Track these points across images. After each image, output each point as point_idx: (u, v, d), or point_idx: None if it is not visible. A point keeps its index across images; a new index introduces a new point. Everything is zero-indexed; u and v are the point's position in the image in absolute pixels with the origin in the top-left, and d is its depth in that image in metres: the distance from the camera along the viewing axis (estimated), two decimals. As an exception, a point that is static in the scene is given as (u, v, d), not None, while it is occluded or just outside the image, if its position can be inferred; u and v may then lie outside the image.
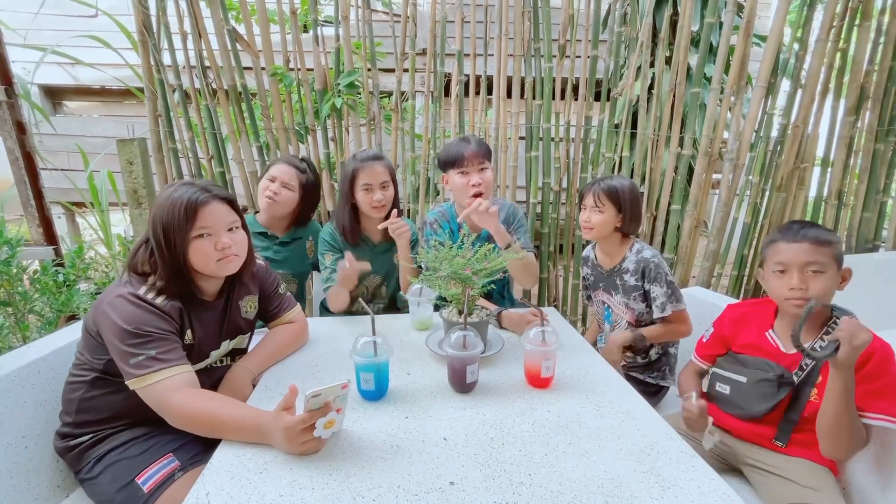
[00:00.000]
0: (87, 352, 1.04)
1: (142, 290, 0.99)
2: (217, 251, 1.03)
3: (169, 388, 0.93)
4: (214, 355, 1.16)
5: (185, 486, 0.93)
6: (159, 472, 0.98)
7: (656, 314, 1.44)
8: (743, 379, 1.17)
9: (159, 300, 1.00)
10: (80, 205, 3.51)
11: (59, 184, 3.55)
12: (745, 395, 1.16)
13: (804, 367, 1.08)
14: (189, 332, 1.07)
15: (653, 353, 1.55)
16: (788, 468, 1.07)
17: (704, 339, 1.32)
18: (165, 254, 1.00)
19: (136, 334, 0.94)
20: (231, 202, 1.08)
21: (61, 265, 1.71)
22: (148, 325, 0.95)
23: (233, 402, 0.95)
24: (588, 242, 1.71)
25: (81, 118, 4.86)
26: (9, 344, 1.44)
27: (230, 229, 1.07)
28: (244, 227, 1.13)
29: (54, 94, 4.77)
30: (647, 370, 1.54)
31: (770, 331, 1.16)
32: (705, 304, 1.61)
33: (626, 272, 1.48)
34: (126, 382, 0.94)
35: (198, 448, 1.05)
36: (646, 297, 1.47)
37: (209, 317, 1.13)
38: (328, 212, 2.37)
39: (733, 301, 1.61)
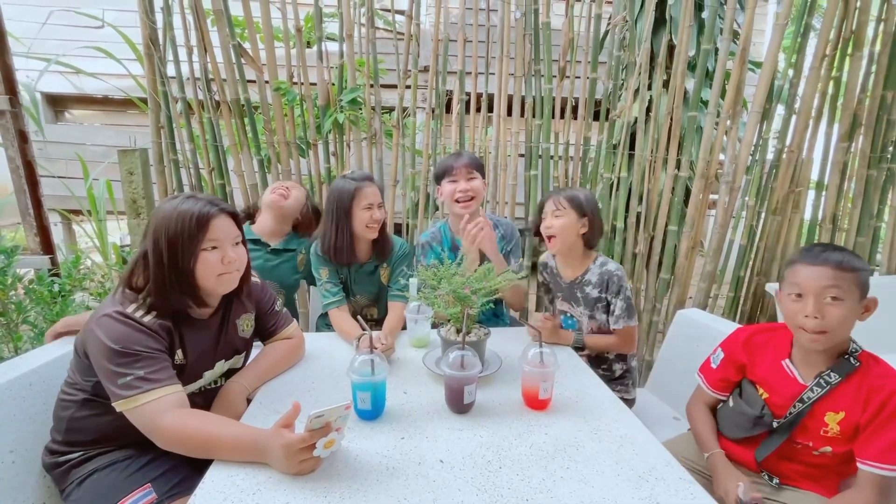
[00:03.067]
0: (77, 372, 1.02)
1: (130, 309, 0.96)
2: (223, 265, 1.03)
3: (158, 409, 0.90)
4: (208, 376, 1.12)
5: None
6: None
7: (611, 324, 1.46)
8: (730, 402, 1.19)
9: (148, 318, 0.97)
10: (77, 213, 3.50)
11: (56, 191, 3.54)
12: (724, 416, 1.19)
13: (794, 408, 1.05)
14: (179, 351, 1.03)
15: (617, 369, 1.56)
16: (783, 495, 1.07)
17: (713, 365, 1.23)
18: (166, 267, 0.97)
19: (124, 353, 0.91)
20: (235, 216, 1.08)
21: (57, 275, 1.70)
22: (136, 343, 0.93)
23: (226, 421, 0.94)
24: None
25: (83, 126, 4.88)
26: (1, 355, 1.42)
27: (235, 244, 1.07)
28: (243, 242, 1.12)
29: (56, 103, 4.80)
30: (611, 384, 1.54)
31: (787, 360, 1.10)
32: (702, 327, 1.61)
33: (587, 284, 1.48)
34: (113, 404, 0.91)
35: (179, 477, 1.01)
36: (608, 309, 1.48)
37: (202, 336, 1.09)
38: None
39: (731, 323, 1.61)
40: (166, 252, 0.97)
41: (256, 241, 1.71)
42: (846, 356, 1.02)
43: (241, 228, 1.10)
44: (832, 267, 0.97)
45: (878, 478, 0.94)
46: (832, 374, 1.01)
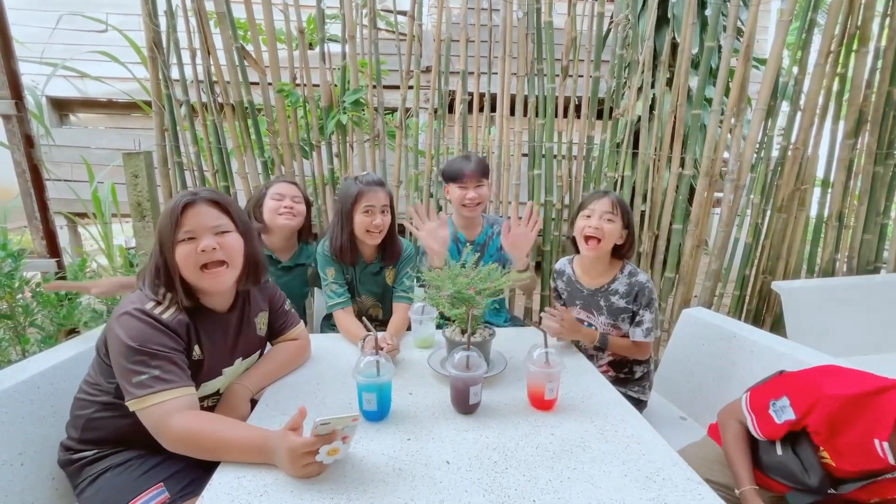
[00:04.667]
0: (99, 374, 1.03)
1: (149, 305, 0.97)
2: (199, 254, 0.97)
3: (169, 410, 0.90)
4: (228, 373, 1.12)
5: None
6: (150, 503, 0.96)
7: (639, 337, 1.43)
8: (778, 449, 1.01)
9: (167, 315, 0.97)
10: (82, 215, 3.52)
11: (62, 194, 3.56)
12: (765, 453, 1.05)
13: (863, 480, 0.91)
14: (197, 347, 1.03)
15: (637, 371, 1.54)
16: None
17: (775, 417, 0.99)
18: (160, 261, 0.98)
19: (141, 352, 0.92)
20: (221, 205, 1.02)
21: (63, 278, 1.71)
22: (154, 342, 0.93)
23: (235, 423, 0.94)
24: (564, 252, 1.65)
25: (87, 130, 4.91)
26: (8, 357, 1.43)
27: (220, 233, 1.01)
28: (244, 233, 1.07)
29: (61, 106, 4.83)
30: (629, 385, 1.53)
31: (884, 442, 0.85)
32: (708, 326, 1.60)
33: (614, 293, 1.45)
34: (126, 403, 0.92)
35: (190, 478, 1.01)
36: (633, 318, 1.45)
37: (220, 331, 1.09)
38: (331, 227, 2.39)
39: (737, 322, 1.59)
40: (158, 247, 0.98)
41: (269, 258, 1.71)
42: None
43: (233, 217, 1.04)
44: None
45: None
46: None
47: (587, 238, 1.40)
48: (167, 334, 0.96)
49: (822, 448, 0.94)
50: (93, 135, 4.82)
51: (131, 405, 0.91)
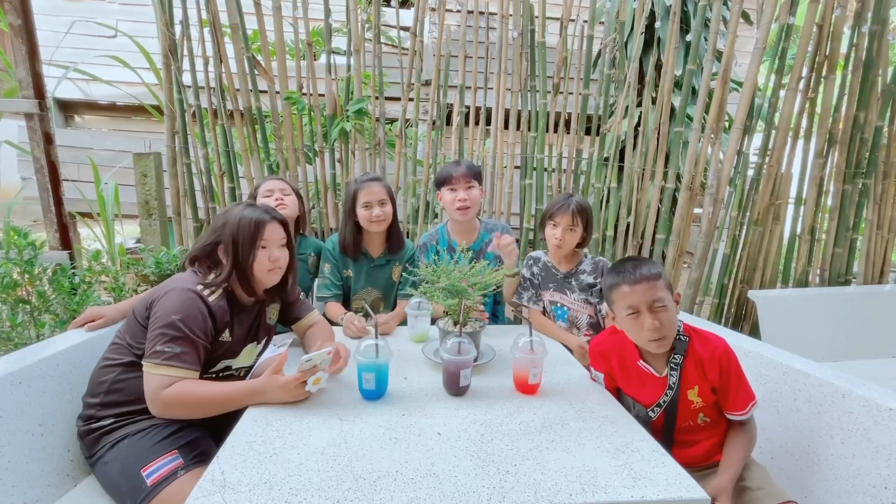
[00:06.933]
0: (128, 336, 1.15)
1: (199, 287, 1.14)
2: (270, 262, 1.20)
3: (167, 383, 1.05)
4: (242, 354, 1.26)
5: (186, 484, 0.98)
6: (164, 468, 1.05)
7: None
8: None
9: (212, 298, 1.14)
10: (88, 215, 3.59)
11: (66, 193, 3.62)
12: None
13: (667, 393, 1.15)
14: (227, 331, 1.19)
15: None
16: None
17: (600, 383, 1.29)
18: (234, 259, 1.17)
19: (179, 328, 1.07)
20: (284, 223, 1.26)
21: (75, 268, 1.79)
22: (192, 323, 1.08)
23: (218, 383, 1.09)
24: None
25: (90, 132, 5.00)
26: (25, 340, 1.51)
27: (280, 246, 1.24)
28: (290, 245, 1.28)
29: (67, 108, 4.92)
30: None
31: (640, 361, 1.19)
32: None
33: (583, 272, 1.66)
34: (143, 360, 1.07)
35: (202, 447, 1.11)
36: (601, 294, 1.62)
37: (245, 319, 1.26)
38: (330, 228, 2.49)
39: (717, 326, 1.71)
40: (231, 248, 1.16)
41: None
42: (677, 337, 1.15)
43: (288, 233, 1.27)
44: (648, 280, 1.11)
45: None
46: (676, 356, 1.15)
47: (553, 246, 1.65)
48: (207, 319, 1.11)
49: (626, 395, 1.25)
50: (97, 137, 4.91)
51: (145, 363, 1.06)
